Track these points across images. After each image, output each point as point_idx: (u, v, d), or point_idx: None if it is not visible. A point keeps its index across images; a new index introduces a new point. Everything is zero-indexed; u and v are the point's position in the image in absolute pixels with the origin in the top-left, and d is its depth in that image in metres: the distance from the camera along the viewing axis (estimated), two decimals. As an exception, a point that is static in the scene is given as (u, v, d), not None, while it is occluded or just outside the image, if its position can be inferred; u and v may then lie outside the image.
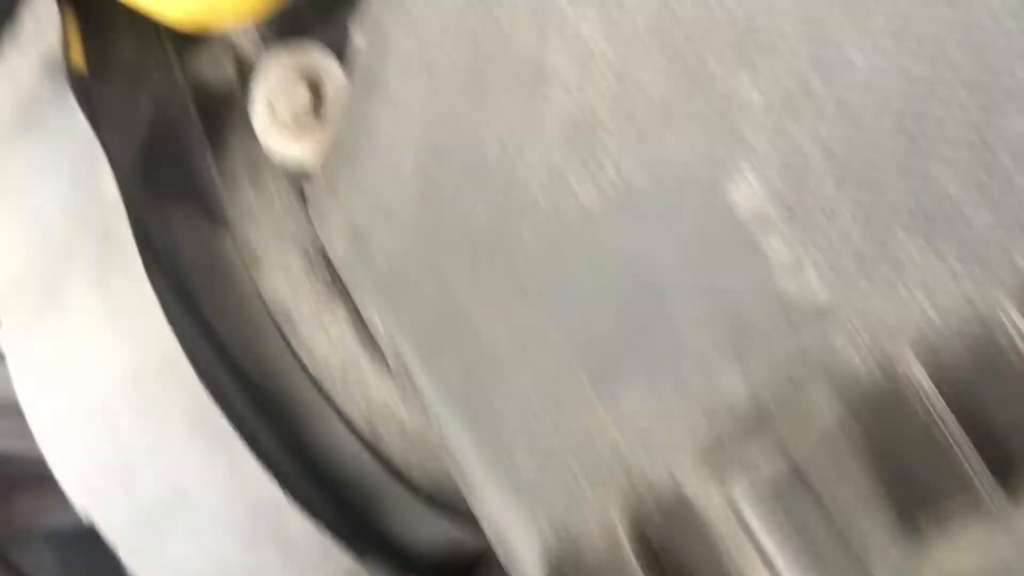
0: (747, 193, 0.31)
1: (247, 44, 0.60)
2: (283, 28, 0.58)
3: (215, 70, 0.60)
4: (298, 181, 0.53)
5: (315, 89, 0.50)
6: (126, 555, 0.56)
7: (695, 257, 0.31)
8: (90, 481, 0.54)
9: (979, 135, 0.28)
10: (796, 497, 0.28)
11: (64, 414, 0.54)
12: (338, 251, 0.35)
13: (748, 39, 0.30)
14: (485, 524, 0.35)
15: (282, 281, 0.56)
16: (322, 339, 0.55)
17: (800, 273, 0.31)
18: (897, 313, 0.29)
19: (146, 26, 0.55)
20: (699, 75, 0.31)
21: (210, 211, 0.58)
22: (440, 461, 0.56)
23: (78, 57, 0.61)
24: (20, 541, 1.22)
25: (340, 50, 0.58)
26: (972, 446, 0.28)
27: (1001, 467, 0.29)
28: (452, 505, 0.59)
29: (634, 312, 0.32)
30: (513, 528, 0.34)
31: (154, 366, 0.53)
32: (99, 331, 0.54)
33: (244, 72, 0.60)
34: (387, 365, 0.54)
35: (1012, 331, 0.28)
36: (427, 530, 0.59)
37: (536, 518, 0.33)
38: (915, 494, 0.29)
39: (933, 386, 0.29)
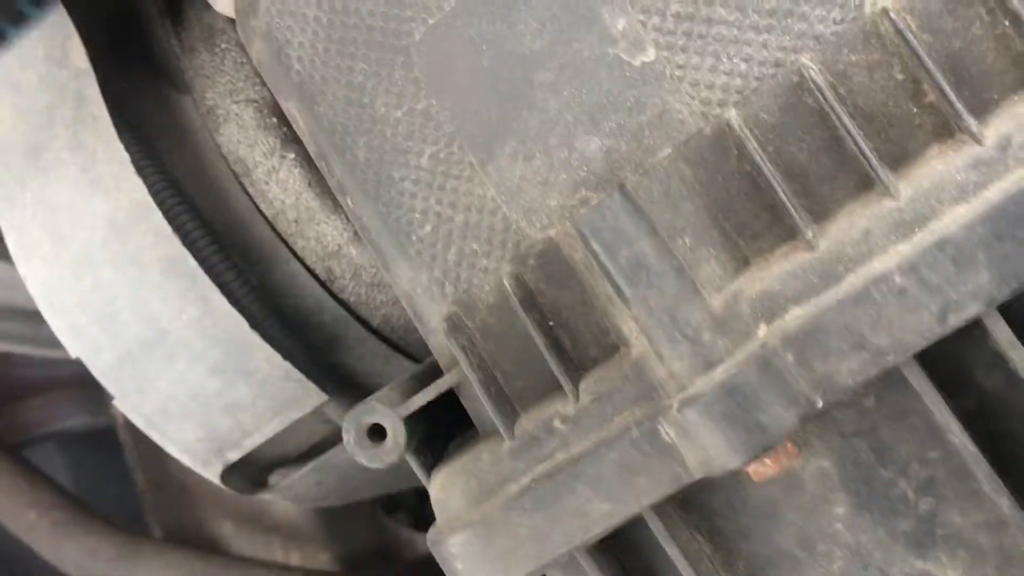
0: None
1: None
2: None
3: (170, -52, 0.65)
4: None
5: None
6: (116, 393, 0.62)
7: (552, 35, 0.36)
8: (79, 327, 0.60)
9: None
10: (633, 224, 0.34)
11: (52, 268, 0.60)
12: (259, 59, 0.41)
13: None
14: (401, 298, 0.41)
15: (237, 134, 0.61)
16: (275, 184, 0.60)
17: (642, 47, 0.36)
18: (715, 70, 0.34)
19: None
20: None
21: (172, 78, 0.63)
22: (396, 305, 0.62)
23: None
24: (31, 441, 1.29)
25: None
26: (782, 178, 0.34)
27: (803, 195, 0.34)
28: (409, 346, 0.64)
29: (507, 90, 0.37)
30: (419, 293, 0.40)
31: (128, 216, 0.58)
32: (77, 188, 0.59)
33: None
34: (336, 206, 0.60)
35: (809, 82, 0.34)
36: (387, 370, 0.65)
37: (437, 281, 0.39)
38: (738, 223, 0.35)
39: (747, 130, 0.34)
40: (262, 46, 0.40)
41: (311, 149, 0.40)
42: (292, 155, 0.60)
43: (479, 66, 0.38)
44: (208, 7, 0.63)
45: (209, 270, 0.58)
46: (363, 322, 0.62)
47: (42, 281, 0.61)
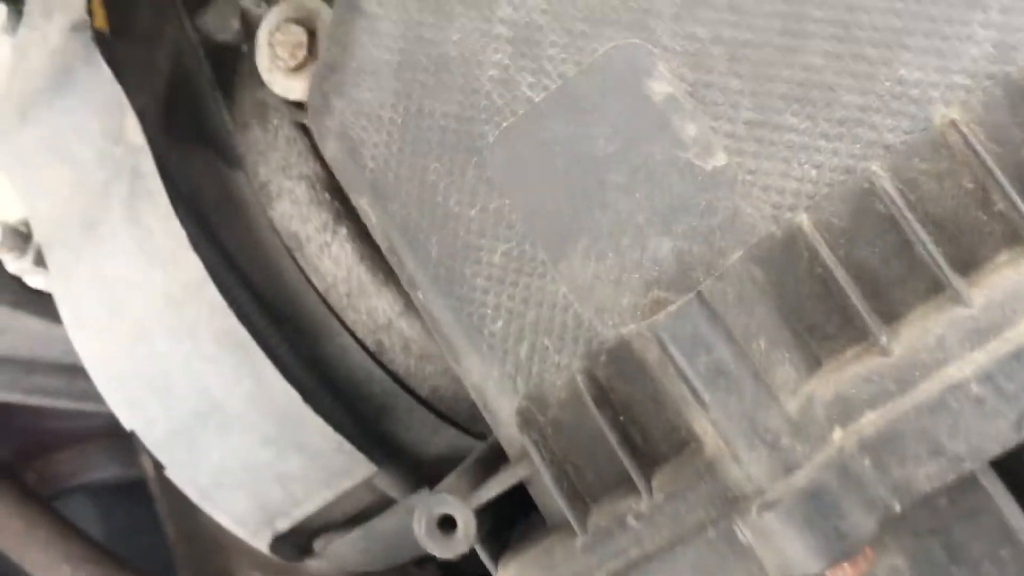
0: (662, 85, 0.37)
1: (250, 2, 0.66)
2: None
3: (223, 27, 0.67)
4: (299, 117, 0.60)
5: (309, 30, 0.56)
6: (169, 465, 0.62)
7: (623, 139, 0.37)
8: (134, 399, 0.61)
9: (846, 30, 0.34)
10: (710, 330, 0.35)
11: (106, 339, 0.61)
12: (334, 156, 0.42)
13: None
14: (471, 390, 0.42)
15: (290, 209, 0.62)
16: (327, 259, 0.62)
17: (711, 152, 0.37)
18: (786, 175, 0.35)
19: (161, -10, 0.62)
20: (620, -10, 0.37)
21: (224, 152, 0.65)
22: (445, 376, 0.63)
23: (101, 20, 0.67)
24: (63, 493, 1.29)
25: None
26: (853, 281, 0.35)
27: (874, 298, 0.35)
28: (457, 416, 0.65)
29: (579, 191, 0.38)
30: (490, 387, 0.41)
31: (184, 289, 0.59)
32: (133, 260, 0.61)
33: (249, 28, 0.67)
34: (387, 280, 0.61)
35: (879, 189, 0.34)
36: (435, 440, 0.65)
37: (509, 376, 0.40)
38: (809, 325, 0.35)
39: (818, 234, 0.35)
40: (336, 144, 0.41)
41: (382, 244, 0.41)
42: (344, 230, 0.61)
43: (552, 167, 0.39)
44: (261, 84, 0.65)
45: (263, 343, 0.59)
46: (412, 392, 0.63)
47: (97, 352, 0.62)
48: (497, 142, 0.39)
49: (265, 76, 0.58)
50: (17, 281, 0.89)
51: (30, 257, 0.76)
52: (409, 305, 0.61)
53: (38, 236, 0.66)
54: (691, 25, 0.36)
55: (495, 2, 0.39)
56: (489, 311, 0.40)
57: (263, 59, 0.58)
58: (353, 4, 0.41)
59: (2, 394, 1.12)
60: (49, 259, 0.64)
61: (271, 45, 0.56)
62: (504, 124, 0.39)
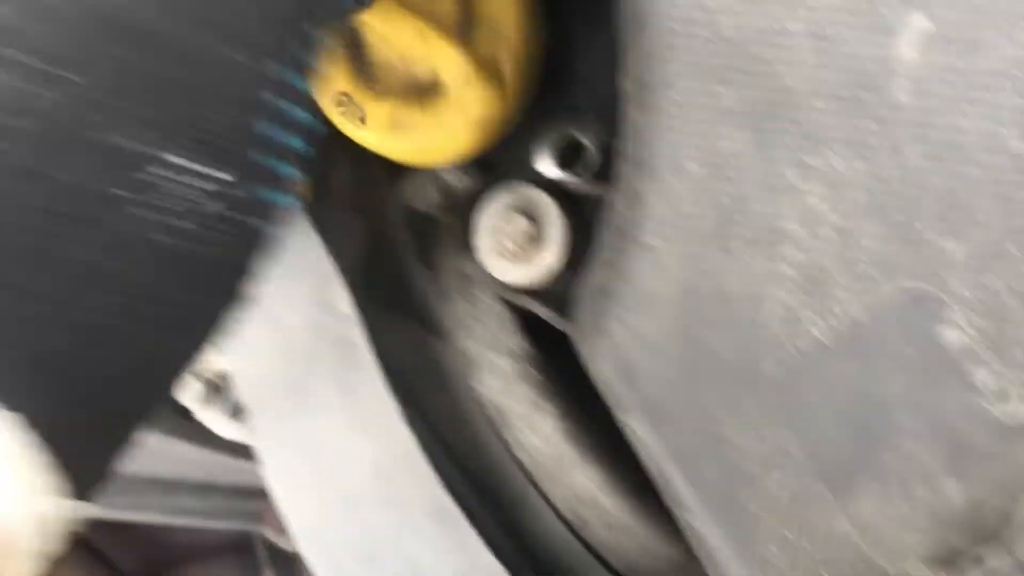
0: (955, 332, 0.38)
1: (450, 174, 0.69)
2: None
3: (423, 196, 0.69)
4: (510, 295, 0.61)
5: (533, 219, 0.58)
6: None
7: (912, 383, 0.38)
8: (339, 565, 0.62)
9: None
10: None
11: (314, 505, 0.63)
12: (606, 377, 0.43)
13: (952, 212, 0.38)
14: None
15: (495, 383, 0.64)
16: (532, 435, 0.63)
17: (1006, 399, 0.37)
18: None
19: (363, 157, 0.64)
20: (911, 237, 0.38)
21: (428, 323, 0.67)
22: (645, 554, 0.63)
23: (304, 188, 0.70)
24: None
25: (529, 176, 0.66)
26: None
27: None
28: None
29: (864, 429, 0.39)
30: (760, 611, 0.41)
31: (394, 461, 0.61)
32: (343, 429, 0.63)
33: (449, 199, 0.69)
34: (591, 456, 0.62)
35: None
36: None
37: (784, 606, 0.40)
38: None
39: None
40: (610, 366, 0.43)
41: (650, 465, 0.42)
42: (550, 406, 0.62)
43: (834, 404, 0.40)
44: (464, 255, 0.67)
45: (470, 516, 0.61)
46: (610, 568, 0.64)
47: (304, 517, 0.64)
48: (779, 377, 0.40)
49: (484, 260, 0.60)
50: (175, 411, 0.92)
51: (222, 408, 0.78)
52: (612, 482, 0.62)
53: (241, 394, 0.68)
54: (985, 276, 0.37)
55: (780, 243, 0.40)
56: (764, 539, 0.40)
57: (483, 243, 0.60)
58: (630, 235, 0.42)
59: (147, 514, 1.15)
60: (254, 419, 0.67)
61: (495, 233, 0.58)
62: (786, 360, 0.40)
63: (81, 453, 0.26)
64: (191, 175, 0.27)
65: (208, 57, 0.29)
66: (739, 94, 0.41)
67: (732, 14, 0.41)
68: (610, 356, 0.43)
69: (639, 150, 0.43)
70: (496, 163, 0.68)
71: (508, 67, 0.58)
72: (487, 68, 0.57)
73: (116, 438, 0.28)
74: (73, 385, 0.25)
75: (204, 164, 0.27)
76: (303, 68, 0.33)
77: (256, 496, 1.19)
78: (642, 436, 0.43)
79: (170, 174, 0.26)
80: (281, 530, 1.20)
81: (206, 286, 0.28)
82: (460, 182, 0.69)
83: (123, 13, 0.26)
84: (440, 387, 0.65)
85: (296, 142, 0.33)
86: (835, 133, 0.40)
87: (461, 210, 0.70)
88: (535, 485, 0.63)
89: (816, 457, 0.40)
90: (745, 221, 0.41)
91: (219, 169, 0.27)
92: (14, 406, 0.23)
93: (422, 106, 0.57)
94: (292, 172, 0.31)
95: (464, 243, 0.68)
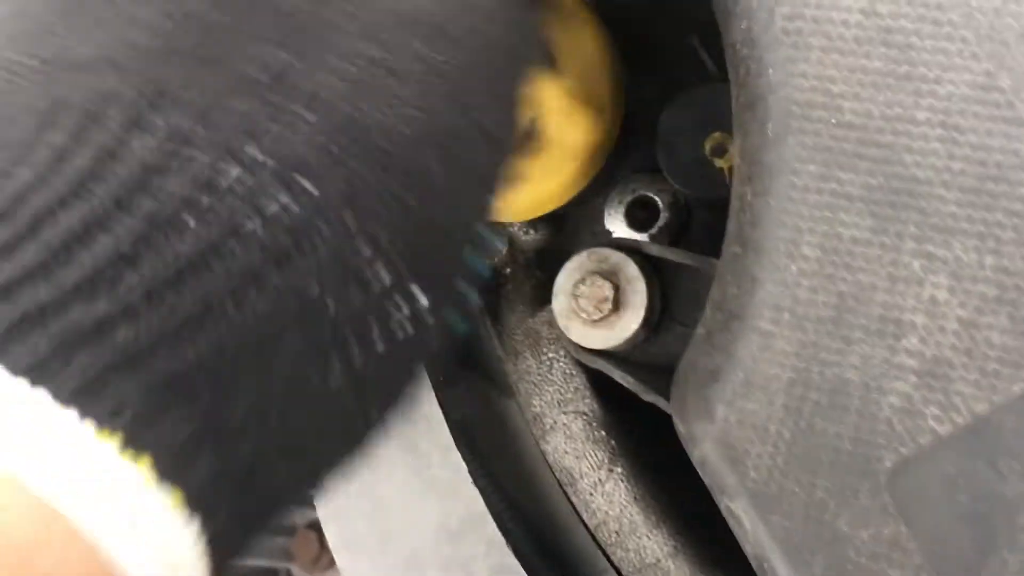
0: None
1: (517, 229, 0.68)
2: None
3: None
4: (583, 356, 0.61)
5: (614, 283, 0.57)
6: None
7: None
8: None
9: None
10: None
11: (378, 565, 0.62)
12: (710, 461, 0.42)
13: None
14: None
15: (564, 444, 0.63)
16: (599, 496, 0.62)
17: None
18: None
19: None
20: (1038, 334, 0.38)
21: (494, 379, 0.66)
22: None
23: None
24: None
25: (600, 231, 0.66)
26: None
27: None
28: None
29: (985, 529, 0.38)
30: None
31: (461, 523, 0.60)
32: (409, 489, 0.62)
33: (515, 251, 0.69)
34: (659, 521, 0.61)
35: None
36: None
37: None
38: None
39: None
40: (714, 449, 0.42)
41: (752, 550, 0.42)
42: (620, 469, 0.62)
43: (955, 501, 0.39)
44: (533, 312, 0.66)
45: (532, 574, 0.60)
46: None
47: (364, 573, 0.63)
48: (895, 469, 0.40)
49: (561, 321, 0.59)
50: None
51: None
52: (679, 548, 0.61)
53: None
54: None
55: (902, 333, 0.39)
56: (878, 636, 0.39)
57: (561, 305, 0.59)
58: (740, 316, 0.42)
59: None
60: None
61: (575, 296, 0.58)
62: (904, 452, 0.39)
63: (233, 551, 0.26)
64: (405, 298, 0.26)
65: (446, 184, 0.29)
66: (862, 180, 0.40)
67: (857, 100, 0.40)
68: (715, 439, 0.42)
69: (752, 231, 0.42)
70: (564, 217, 0.68)
71: (600, 93, 0.58)
72: (580, 96, 0.56)
73: (259, 531, 0.27)
74: (250, 500, 0.24)
75: (419, 286, 0.27)
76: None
77: (286, 532, 1.18)
78: (747, 524, 0.42)
79: (397, 297, 0.26)
80: (309, 567, 1.19)
81: (379, 403, 0.28)
82: (527, 235, 0.69)
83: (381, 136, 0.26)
84: (506, 445, 0.65)
85: (483, 266, 0.33)
86: (962, 224, 0.39)
87: (528, 264, 0.69)
88: (602, 549, 0.62)
89: (933, 554, 0.39)
90: (866, 310, 0.40)
91: (425, 293, 0.27)
92: (206, 517, 0.23)
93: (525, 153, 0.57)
94: (475, 297, 0.31)
95: (532, 299, 0.67)
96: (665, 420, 0.46)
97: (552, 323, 0.66)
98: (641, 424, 0.63)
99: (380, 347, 0.26)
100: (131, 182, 0.24)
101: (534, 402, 0.64)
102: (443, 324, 0.28)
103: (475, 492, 0.60)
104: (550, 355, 0.65)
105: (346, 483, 0.63)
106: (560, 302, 0.59)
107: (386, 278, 0.26)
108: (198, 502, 0.22)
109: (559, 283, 0.58)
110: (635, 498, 0.61)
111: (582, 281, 0.58)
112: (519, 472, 0.64)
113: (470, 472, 0.60)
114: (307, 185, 0.25)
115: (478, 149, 0.30)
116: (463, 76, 0.30)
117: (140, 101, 0.25)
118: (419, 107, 0.28)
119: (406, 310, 0.26)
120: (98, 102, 0.25)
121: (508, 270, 0.69)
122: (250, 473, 0.24)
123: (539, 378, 0.64)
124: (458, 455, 0.61)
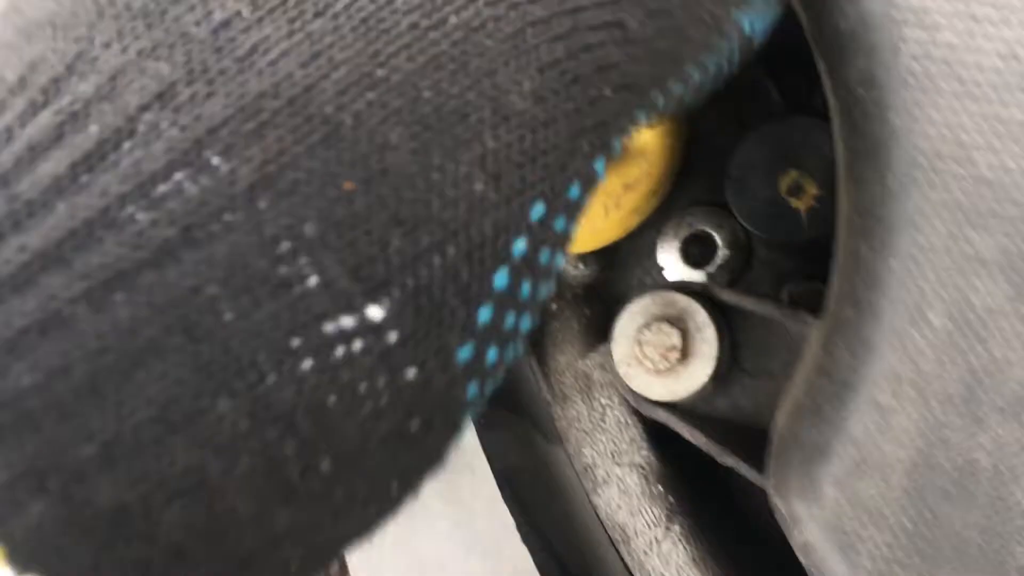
0: None
1: (566, 262, 0.64)
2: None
3: (533, 283, 0.64)
4: (643, 406, 0.56)
5: (681, 329, 0.53)
6: None
7: None
8: None
9: None
10: None
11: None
12: (817, 545, 0.38)
13: None
14: None
15: (618, 499, 0.59)
16: (655, 556, 0.58)
17: None
18: None
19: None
20: None
21: (541, 425, 0.62)
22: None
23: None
24: None
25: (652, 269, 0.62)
26: None
27: None
28: None
29: None
30: None
31: (506, 580, 0.56)
32: (450, 543, 0.57)
33: (563, 286, 0.64)
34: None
35: None
36: None
37: None
38: None
39: None
40: (820, 533, 0.38)
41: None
42: (678, 528, 0.57)
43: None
44: (583, 353, 0.62)
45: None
46: None
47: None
48: (1032, 566, 0.36)
49: (621, 368, 0.54)
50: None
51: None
52: (737, 612, 0.57)
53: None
54: None
55: (1042, 414, 0.35)
56: None
57: (622, 351, 0.54)
58: (853, 387, 0.38)
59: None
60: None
61: (639, 342, 0.53)
62: (1042, 548, 0.35)
63: None
64: (345, 309, 0.23)
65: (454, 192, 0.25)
66: (997, 242, 0.36)
67: (992, 152, 0.36)
68: (824, 523, 0.38)
69: (869, 293, 0.38)
70: (615, 250, 0.64)
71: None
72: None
73: None
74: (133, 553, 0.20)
75: (368, 296, 0.23)
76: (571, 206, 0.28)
77: None
78: (860, 615, 0.37)
79: None
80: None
81: (321, 456, 0.24)
82: (576, 269, 0.64)
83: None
84: (554, 496, 0.60)
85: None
86: (1112, 297, 0.35)
87: (577, 301, 0.65)
88: (655, 610, 0.58)
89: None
90: (999, 386, 0.36)
91: (379, 306, 0.23)
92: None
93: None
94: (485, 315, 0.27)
95: (581, 338, 0.63)
96: (726, 474, 0.42)
97: (604, 366, 0.62)
98: (700, 478, 0.59)
99: (310, 376, 0.22)
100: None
101: (585, 452, 0.60)
102: (429, 350, 0.24)
103: (523, 548, 0.56)
104: (603, 401, 0.60)
105: (381, 535, 0.58)
106: (621, 347, 0.54)
107: (311, 281, 0.22)
108: (32, 555, 0.18)
109: (620, 326, 0.54)
110: (693, 559, 0.57)
111: (647, 326, 0.54)
112: (569, 527, 0.59)
113: (518, 527, 0.56)
114: (214, 160, 0.21)
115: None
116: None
117: (58, 66, 0.21)
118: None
119: (349, 325, 0.22)
120: (23, 69, 0.22)
121: (555, 306, 0.64)
122: (119, 523, 0.19)
123: (591, 426, 0.60)
124: (505, 508, 0.56)
